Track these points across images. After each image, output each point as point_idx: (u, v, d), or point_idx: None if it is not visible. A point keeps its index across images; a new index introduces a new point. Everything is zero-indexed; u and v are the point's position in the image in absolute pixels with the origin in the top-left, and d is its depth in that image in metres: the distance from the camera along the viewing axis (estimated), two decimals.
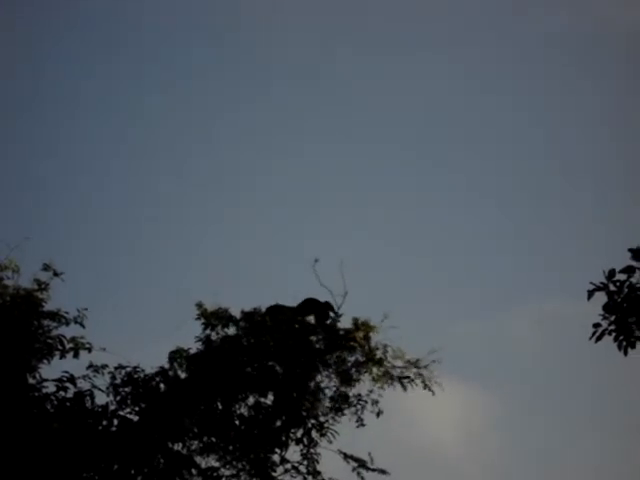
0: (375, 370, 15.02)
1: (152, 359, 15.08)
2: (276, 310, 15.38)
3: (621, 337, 10.85)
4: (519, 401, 26.29)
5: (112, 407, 14.50)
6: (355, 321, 15.20)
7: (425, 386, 14.96)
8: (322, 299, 15.49)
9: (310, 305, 15.51)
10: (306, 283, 15.42)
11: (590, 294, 10.87)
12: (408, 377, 15.00)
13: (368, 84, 30.95)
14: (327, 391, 14.97)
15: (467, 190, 30.63)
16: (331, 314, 15.41)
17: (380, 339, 15.11)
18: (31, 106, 30.70)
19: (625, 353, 10.90)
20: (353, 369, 15.09)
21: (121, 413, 14.50)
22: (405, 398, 15.26)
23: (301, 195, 30.66)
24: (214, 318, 15.14)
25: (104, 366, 14.64)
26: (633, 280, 10.82)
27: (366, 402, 14.93)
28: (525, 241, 30.00)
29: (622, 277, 10.88)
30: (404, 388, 15.00)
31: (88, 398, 14.37)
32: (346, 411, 14.94)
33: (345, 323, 15.38)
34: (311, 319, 15.40)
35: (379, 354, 15.04)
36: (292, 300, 15.45)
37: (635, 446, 24.67)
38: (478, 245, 30.22)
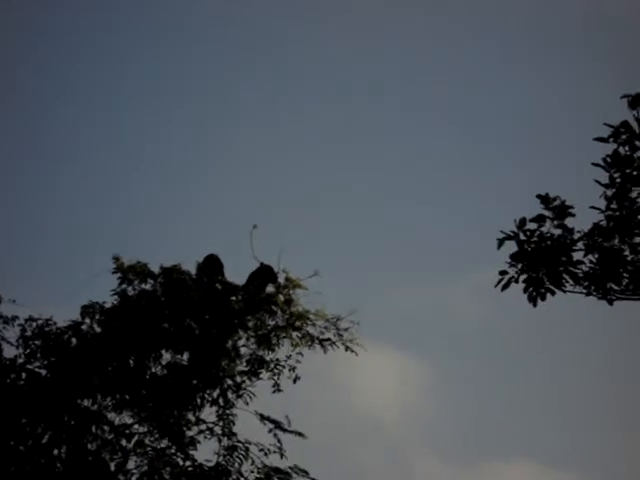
0: (295, 335, 14.66)
1: (68, 313, 14.69)
2: (211, 261, 14.98)
3: (531, 288, 10.56)
4: (455, 369, 26.30)
5: (21, 360, 14.13)
6: (278, 285, 14.85)
7: (347, 348, 14.62)
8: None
9: (264, 272, 15.08)
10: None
11: (500, 243, 10.58)
12: (329, 339, 14.66)
13: None
14: (243, 350, 14.64)
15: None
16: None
17: (306, 300, 14.80)
18: None
19: (534, 304, 10.61)
20: (273, 333, 14.72)
21: (30, 367, 14.11)
22: (338, 365, 14.95)
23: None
24: (132, 273, 14.72)
25: (14, 318, 14.29)
26: (544, 229, 10.55)
27: (283, 367, 14.58)
28: (460, 213, 29.70)
29: (533, 226, 10.60)
30: (325, 350, 14.67)
31: None
32: (263, 375, 14.58)
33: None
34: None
35: (299, 322, 14.67)
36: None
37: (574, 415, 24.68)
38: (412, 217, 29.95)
